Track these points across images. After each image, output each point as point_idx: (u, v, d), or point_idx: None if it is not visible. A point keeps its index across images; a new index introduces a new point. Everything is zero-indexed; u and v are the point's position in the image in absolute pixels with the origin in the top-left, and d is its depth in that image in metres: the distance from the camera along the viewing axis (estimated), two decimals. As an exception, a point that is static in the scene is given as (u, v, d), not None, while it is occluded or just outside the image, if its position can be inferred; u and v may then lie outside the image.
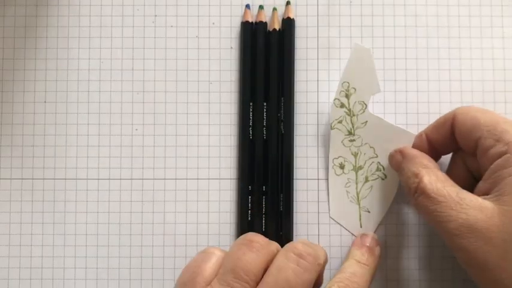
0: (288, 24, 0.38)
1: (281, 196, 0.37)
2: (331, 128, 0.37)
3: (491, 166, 0.30)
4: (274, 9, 0.38)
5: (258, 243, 0.29)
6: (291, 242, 0.30)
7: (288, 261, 0.28)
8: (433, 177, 0.31)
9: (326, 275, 0.37)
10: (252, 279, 0.28)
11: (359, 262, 0.33)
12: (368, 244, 0.35)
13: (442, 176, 0.32)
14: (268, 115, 0.37)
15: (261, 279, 0.28)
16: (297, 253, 0.29)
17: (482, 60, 0.38)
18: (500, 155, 0.30)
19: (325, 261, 0.30)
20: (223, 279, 0.28)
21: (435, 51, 0.38)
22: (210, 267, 0.29)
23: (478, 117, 0.32)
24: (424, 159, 0.33)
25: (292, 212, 0.37)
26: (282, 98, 0.37)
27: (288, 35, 0.38)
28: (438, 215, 0.30)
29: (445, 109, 0.38)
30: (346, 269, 0.33)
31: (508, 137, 0.30)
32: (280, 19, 0.38)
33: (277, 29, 0.38)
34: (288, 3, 0.38)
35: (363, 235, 0.36)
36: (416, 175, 0.32)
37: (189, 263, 0.30)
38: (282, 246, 0.36)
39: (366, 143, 0.37)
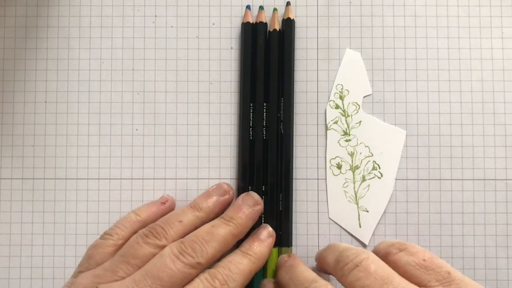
0: (288, 24, 0.38)
1: (280, 196, 0.37)
2: (327, 129, 0.38)
3: None
4: (275, 9, 0.38)
5: None
6: None
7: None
8: None
9: (324, 274, 0.37)
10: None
11: (242, 252, 0.33)
12: (261, 237, 0.34)
13: None
14: (268, 115, 0.37)
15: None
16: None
17: (481, 60, 0.38)
18: None
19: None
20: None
21: (434, 51, 0.38)
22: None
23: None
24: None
25: (292, 212, 0.37)
26: (282, 99, 0.37)
27: (288, 36, 0.38)
28: None
29: (445, 109, 0.38)
30: (225, 258, 0.33)
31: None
32: (280, 19, 0.38)
33: (278, 29, 0.38)
34: (288, 3, 0.38)
35: (261, 227, 0.35)
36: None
37: None
38: (281, 245, 0.36)
39: (361, 143, 0.37)
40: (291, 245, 0.37)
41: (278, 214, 0.37)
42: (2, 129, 0.38)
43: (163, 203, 0.36)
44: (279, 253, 0.36)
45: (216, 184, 0.36)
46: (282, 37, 0.38)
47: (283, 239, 0.36)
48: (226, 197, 0.35)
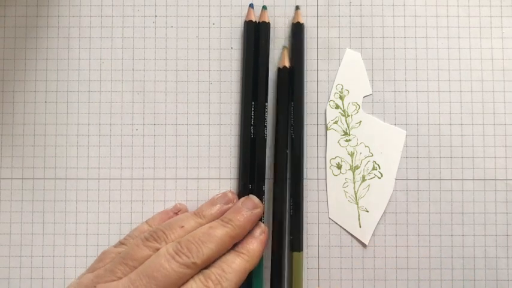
0: (298, 28, 0.37)
1: (291, 201, 0.37)
2: (327, 129, 0.38)
3: None
4: (285, 47, 0.38)
5: None
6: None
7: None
8: None
9: (324, 274, 0.37)
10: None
11: (236, 251, 0.33)
12: (254, 234, 0.35)
13: None
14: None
15: None
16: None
17: (481, 60, 0.38)
18: None
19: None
20: None
21: (434, 51, 0.38)
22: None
23: None
24: None
25: (302, 217, 0.37)
26: (292, 103, 0.37)
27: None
28: None
29: (445, 109, 0.38)
30: (219, 258, 0.33)
31: None
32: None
33: (288, 67, 0.37)
34: (297, 8, 0.38)
35: (255, 225, 0.35)
36: None
37: None
38: (293, 250, 0.36)
39: (361, 143, 0.37)
40: (302, 250, 0.37)
41: (289, 218, 0.36)
42: (2, 129, 0.38)
43: (176, 213, 0.36)
44: (290, 257, 0.36)
45: (222, 192, 0.37)
46: (291, 75, 0.37)
47: (295, 244, 0.36)
48: (230, 205, 0.35)
